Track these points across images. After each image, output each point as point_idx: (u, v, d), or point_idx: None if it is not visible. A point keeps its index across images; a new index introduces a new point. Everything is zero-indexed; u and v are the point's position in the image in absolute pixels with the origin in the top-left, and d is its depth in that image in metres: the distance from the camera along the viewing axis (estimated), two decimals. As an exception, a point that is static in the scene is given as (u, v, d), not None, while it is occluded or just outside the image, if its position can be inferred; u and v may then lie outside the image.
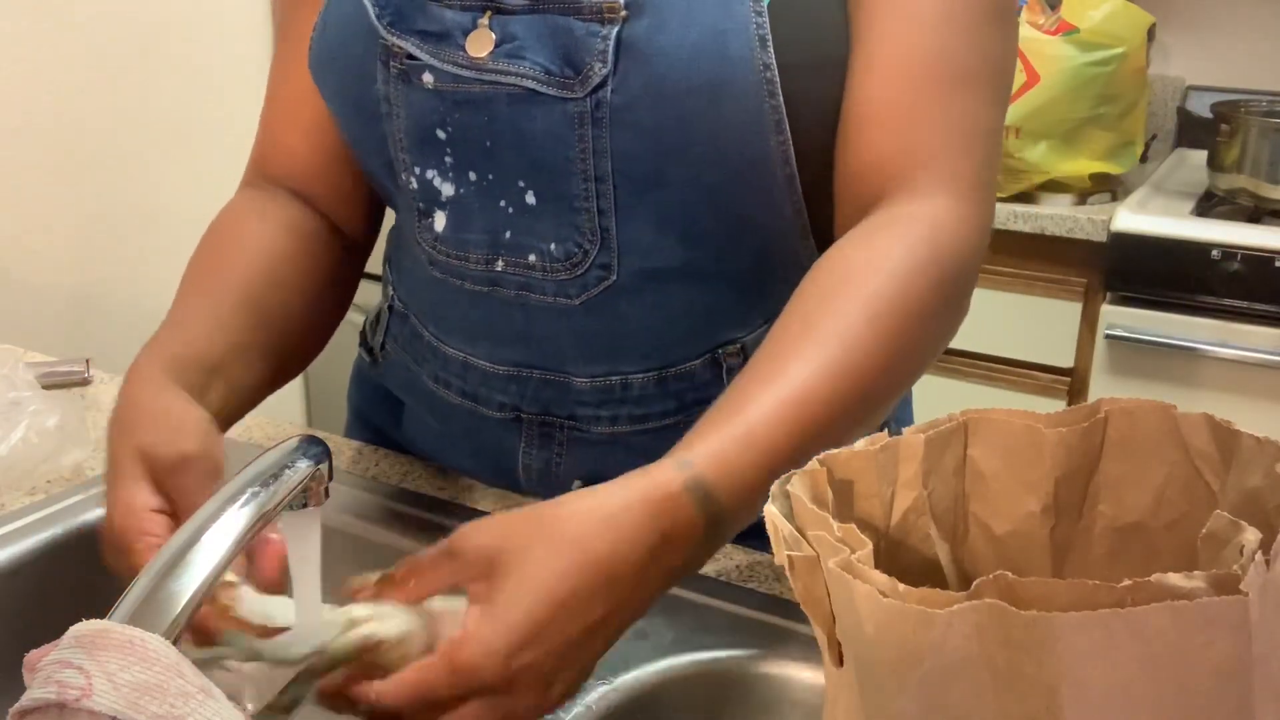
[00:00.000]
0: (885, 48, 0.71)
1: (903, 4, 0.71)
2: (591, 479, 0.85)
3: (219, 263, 0.81)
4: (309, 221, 0.86)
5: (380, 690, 0.56)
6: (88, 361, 1.11)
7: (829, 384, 0.64)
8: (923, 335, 0.69)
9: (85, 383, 1.10)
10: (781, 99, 0.70)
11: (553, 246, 0.77)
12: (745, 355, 0.80)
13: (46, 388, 0.99)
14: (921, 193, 0.71)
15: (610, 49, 0.71)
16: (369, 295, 1.00)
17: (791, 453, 0.61)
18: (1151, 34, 1.99)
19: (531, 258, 0.78)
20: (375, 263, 0.95)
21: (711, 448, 0.60)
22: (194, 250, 0.83)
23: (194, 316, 0.76)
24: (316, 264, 0.85)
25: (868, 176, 0.72)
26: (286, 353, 0.82)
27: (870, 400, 0.67)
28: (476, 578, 0.57)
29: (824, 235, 0.77)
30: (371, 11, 0.76)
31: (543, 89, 0.72)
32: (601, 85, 0.71)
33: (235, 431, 1.01)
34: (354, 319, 0.98)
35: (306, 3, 0.84)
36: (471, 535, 0.58)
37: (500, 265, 0.79)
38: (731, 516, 0.61)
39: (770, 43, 0.70)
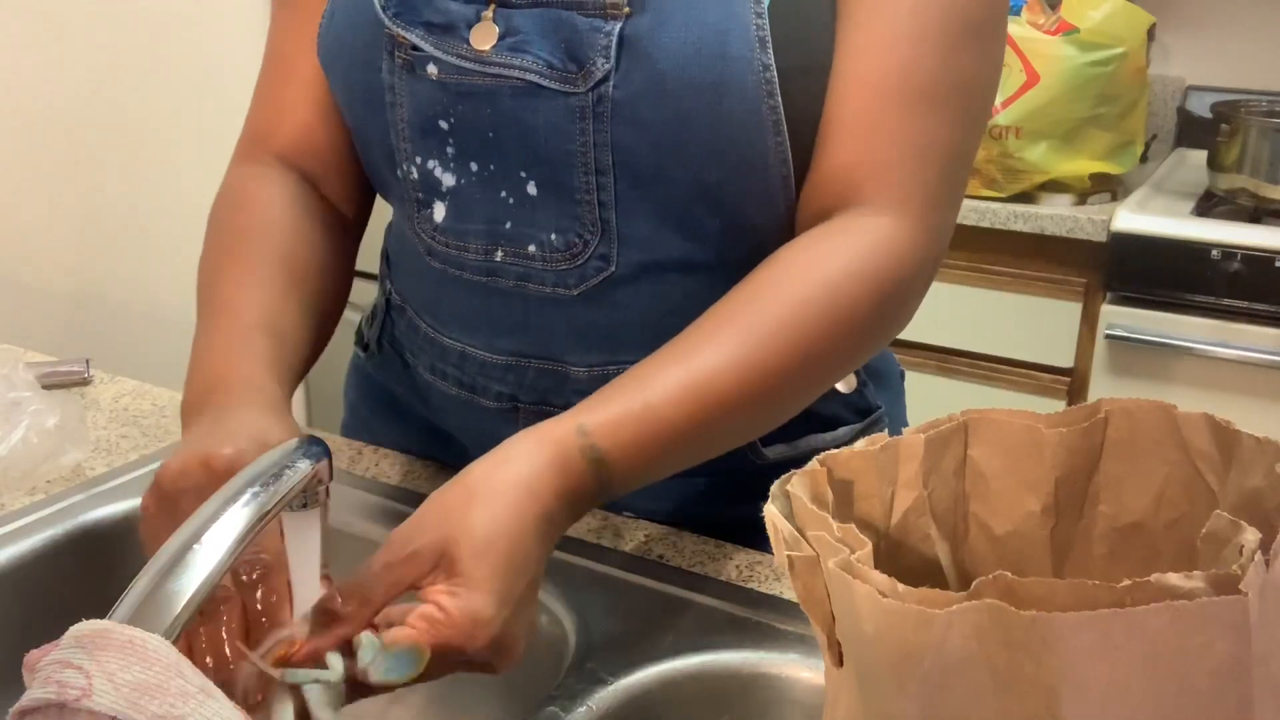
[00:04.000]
0: (856, 63, 0.72)
1: (876, 20, 0.72)
2: None
3: (249, 249, 0.81)
4: (314, 201, 0.87)
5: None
6: (88, 361, 1.11)
7: (736, 376, 0.67)
8: (844, 346, 0.72)
9: (85, 383, 1.10)
10: (780, 99, 0.71)
11: (553, 237, 0.77)
12: None
13: (46, 388, 0.99)
14: (874, 207, 0.72)
15: (613, 45, 0.71)
16: (365, 294, 1.00)
17: (686, 433, 0.67)
18: (1151, 34, 1.99)
19: (531, 248, 0.78)
20: (370, 261, 0.95)
21: (609, 417, 0.65)
22: (212, 232, 0.83)
23: (249, 312, 0.76)
24: (328, 241, 0.86)
25: (828, 187, 0.74)
26: (323, 323, 0.83)
27: (776, 400, 0.71)
28: (428, 574, 0.60)
29: None
30: (377, 2, 0.77)
31: (546, 83, 0.73)
32: (604, 80, 0.72)
33: (235, 431, 1.01)
34: (350, 317, 0.98)
35: None
36: (409, 540, 0.60)
37: (500, 255, 0.79)
38: (620, 484, 0.66)
39: (770, 44, 0.70)
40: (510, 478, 0.62)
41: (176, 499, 0.62)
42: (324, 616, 0.59)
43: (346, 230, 0.90)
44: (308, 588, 0.61)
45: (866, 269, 0.71)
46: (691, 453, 0.69)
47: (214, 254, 0.81)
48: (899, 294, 0.73)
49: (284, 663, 0.58)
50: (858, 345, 0.73)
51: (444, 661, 0.59)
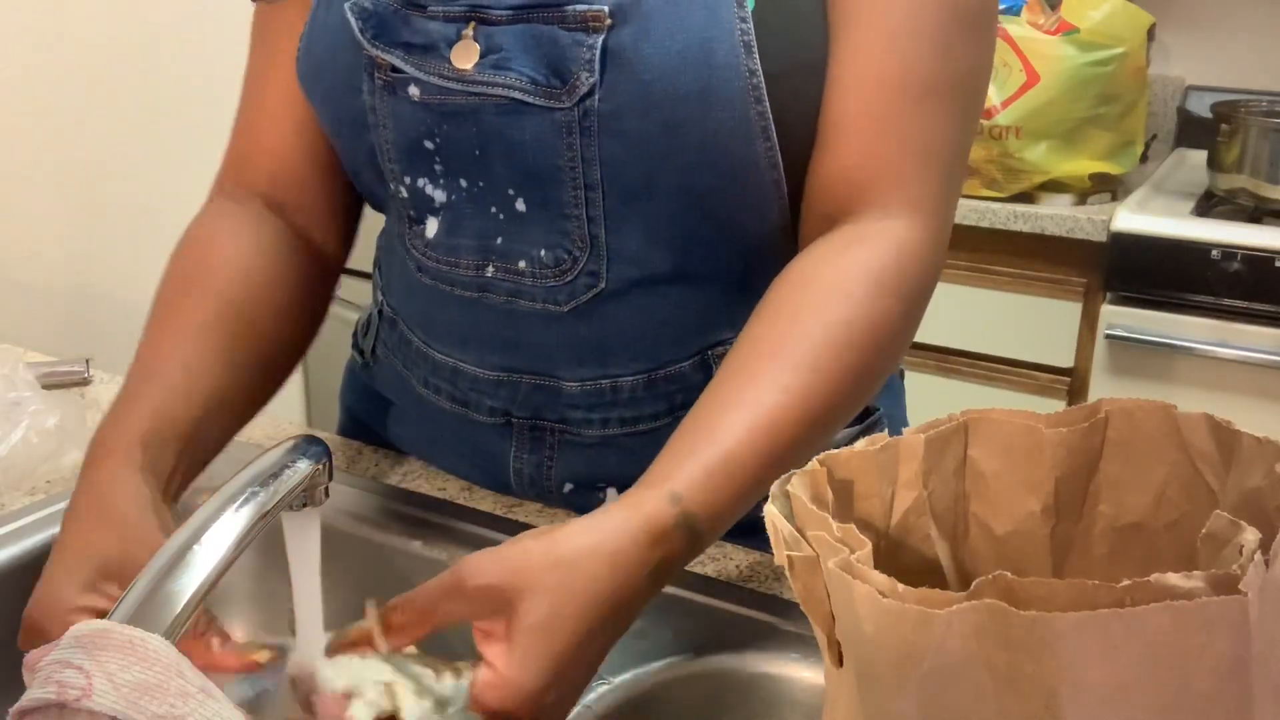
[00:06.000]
0: (855, 62, 0.71)
1: (874, 17, 0.71)
2: (583, 482, 0.85)
3: (191, 295, 0.78)
4: (282, 238, 0.84)
5: None
6: (88, 361, 1.11)
7: (799, 409, 0.66)
8: (886, 356, 0.72)
9: (85, 383, 1.10)
10: (768, 104, 0.71)
11: (542, 253, 0.77)
12: None
13: (46, 388, 0.99)
14: (887, 211, 0.72)
15: (596, 58, 0.70)
16: (363, 293, 1.00)
17: (761, 477, 0.65)
18: (1151, 34, 1.99)
19: (522, 264, 0.78)
20: (367, 261, 0.95)
21: (695, 478, 0.63)
22: (165, 275, 0.81)
23: (167, 369, 0.74)
24: (289, 284, 0.83)
25: (834, 189, 0.73)
26: (266, 374, 0.81)
27: (834, 421, 0.70)
28: (488, 615, 0.58)
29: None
30: (355, 25, 0.76)
31: (530, 99, 0.72)
32: (589, 94, 0.71)
33: (235, 431, 1.01)
34: (348, 317, 0.98)
35: (284, 7, 0.83)
36: (478, 572, 0.59)
37: (491, 271, 0.79)
38: (706, 541, 0.65)
39: (755, 49, 0.70)
40: (594, 547, 0.60)
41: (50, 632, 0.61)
42: (383, 624, 0.59)
43: (323, 263, 0.88)
44: (308, 588, 0.61)
45: (894, 278, 0.71)
46: (763, 490, 0.68)
47: (158, 302, 0.79)
48: (924, 296, 0.74)
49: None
50: (897, 353, 0.74)
51: None
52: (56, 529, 0.85)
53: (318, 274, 0.87)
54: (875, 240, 0.71)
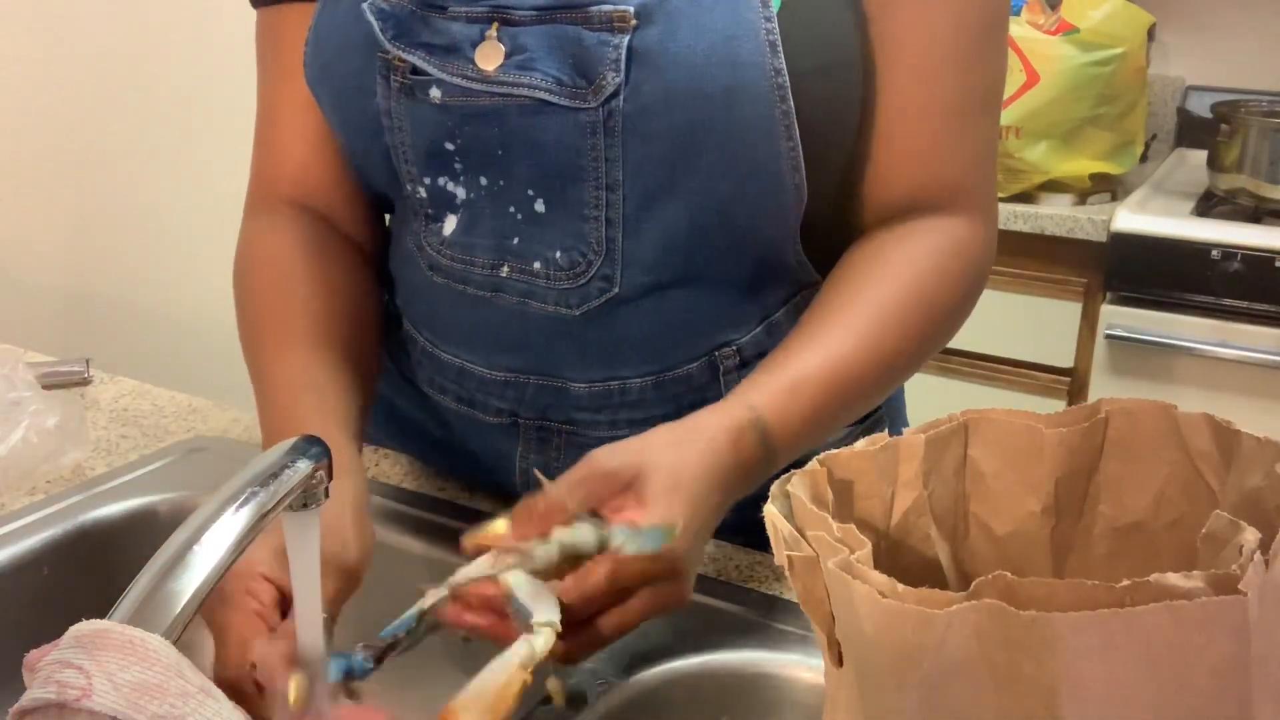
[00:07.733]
0: (910, 92, 0.76)
1: (919, 43, 0.75)
2: None
3: (273, 302, 0.81)
4: (331, 241, 0.86)
5: (562, 589, 0.63)
6: (88, 361, 1.11)
7: (863, 356, 0.74)
8: (941, 328, 0.80)
9: (85, 383, 1.10)
10: (791, 104, 0.71)
11: (558, 255, 0.77)
12: (741, 357, 0.81)
13: (46, 388, 0.99)
14: (947, 211, 0.79)
15: (622, 58, 0.70)
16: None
17: (829, 408, 0.73)
18: (1151, 34, 1.99)
19: (536, 265, 0.77)
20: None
21: (767, 395, 0.71)
22: (243, 299, 0.83)
23: (310, 380, 0.77)
24: (356, 283, 0.86)
25: (897, 206, 0.79)
26: (364, 356, 0.84)
27: (890, 376, 0.78)
28: (617, 493, 0.65)
29: (810, 236, 0.79)
30: (375, 25, 0.75)
31: (555, 99, 0.72)
32: (614, 94, 0.71)
33: (235, 431, 1.01)
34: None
35: (292, 18, 0.83)
36: (605, 458, 0.66)
37: (506, 271, 0.79)
38: (781, 454, 0.72)
39: (780, 48, 0.70)
40: (690, 436, 0.68)
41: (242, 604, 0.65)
42: (522, 514, 0.65)
43: (365, 256, 0.89)
44: (308, 588, 0.61)
45: (956, 259, 0.79)
46: (832, 420, 0.75)
47: (246, 327, 0.82)
48: (979, 282, 0.82)
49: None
50: (951, 328, 0.81)
51: (634, 585, 0.64)
52: (56, 529, 0.86)
53: (366, 262, 0.89)
54: (938, 230, 0.79)
